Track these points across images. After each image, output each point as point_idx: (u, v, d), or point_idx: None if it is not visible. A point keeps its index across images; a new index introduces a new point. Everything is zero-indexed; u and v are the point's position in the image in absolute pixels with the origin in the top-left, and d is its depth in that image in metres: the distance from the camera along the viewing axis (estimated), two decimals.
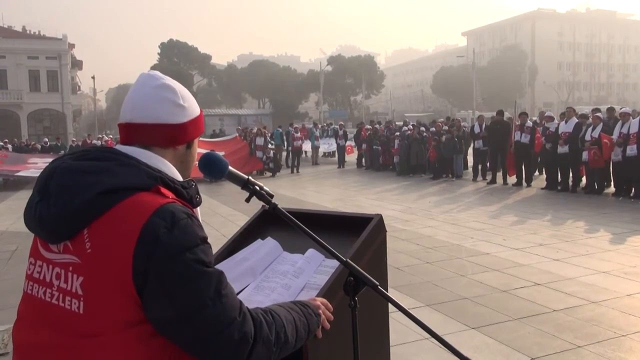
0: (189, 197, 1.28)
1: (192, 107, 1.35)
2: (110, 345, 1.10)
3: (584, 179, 12.06)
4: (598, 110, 12.25)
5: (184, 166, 1.37)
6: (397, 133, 17.67)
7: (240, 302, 1.21)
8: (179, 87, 1.33)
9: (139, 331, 1.11)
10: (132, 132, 1.29)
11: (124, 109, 1.31)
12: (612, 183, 11.49)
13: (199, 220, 1.22)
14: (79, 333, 1.12)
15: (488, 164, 14.68)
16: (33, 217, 1.20)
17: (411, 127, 18.05)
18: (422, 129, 16.69)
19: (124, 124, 1.30)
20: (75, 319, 1.13)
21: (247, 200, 1.46)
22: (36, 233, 1.23)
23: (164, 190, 1.20)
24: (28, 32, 55.20)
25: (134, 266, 1.09)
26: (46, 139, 27.11)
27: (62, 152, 22.73)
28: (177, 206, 1.18)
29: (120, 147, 1.28)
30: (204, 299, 1.12)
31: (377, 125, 20.96)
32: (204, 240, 1.18)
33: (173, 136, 1.31)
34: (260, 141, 18.64)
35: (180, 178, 1.31)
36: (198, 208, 1.34)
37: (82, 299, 1.12)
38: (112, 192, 1.14)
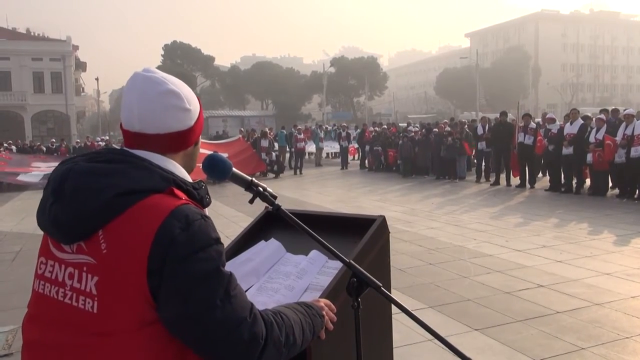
0: (199, 197, 1.29)
1: (196, 106, 1.34)
2: (123, 344, 1.11)
3: (587, 181, 12.04)
4: (606, 110, 12.21)
5: (189, 159, 1.38)
6: (402, 134, 17.71)
7: (252, 303, 1.22)
8: (182, 90, 1.30)
9: (152, 331, 1.13)
10: (143, 141, 1.27)
11: (129, 117, 1.27)
12: (614, 185, 11.48)
13: (212, 221, 1.24)
14: (92, 332, 1.13)
15: (491, 165, 14.68)
16: (48, 218, 1.21)
17: (416, 128, 18.09)
18: (433, 135, 16.58)
19: (133, 132, 1.28)
20: (88, 319, 1.14)
21: (251, 201, 1.46)
22: (50, 234, 1.24)
23: (177, 191, 1.22)
24: (32, 34, 55.33)
25: (148, 267, 1.11)
26: (53, 140, 27.27)
27: (67, 154, 22.83)
28: (191, 208, 1.19)
29: (132, 150, 1.27)
30: (214, 299, 1.13)
31: (383, 127, 21.02)
32: (218, 240, 1.20)
33: (184, 141, 1.32)
34: (265, 143, 18.67)
35: (189, 179, 1.32)
36: (206, 208, 1.35)
37: (96, 298, 1.14)
38: (127, 194, 1.15)
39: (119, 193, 1.15)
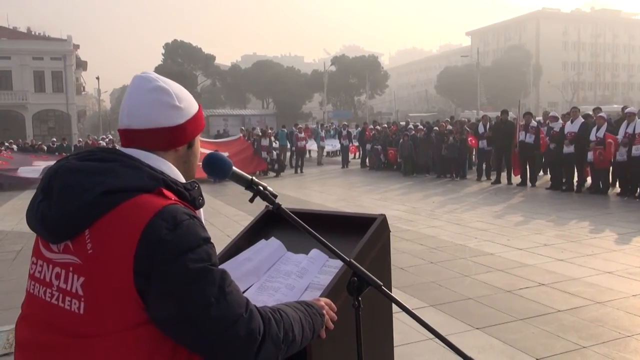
0: (191, 198, 1.27)
1: (189, 106, 1.34)
2: (112, 345, 1.09)
3: (588, 179, 12.04)
4: (600, 109, 12.21)
5: (187, 166, 1.37)
6: (403, 132, 17.73)
7: (247, 299, 1.21)
8: (173, 88, 1.31)
9: (141, 332, 1.11)
10: (132, 138, 1.28)
11: (121, 114, 1.30)
12: (615, 183, 11.47)
13: (201, 221, 1.22)
14: (78, 334, 1.12)
15: (492, 164, 14.68)
16: (35, 216, 1.20)
17: (417, 127, 18.10)
18: (433, 134, 16.62)
19: (123, 129, 1.29)
20: (75, 320, 1.12)
21: (251, 200, 1.46)
22: (38, 232, 1.23)
23: (166, 192, 1.20)
24: (33, 33, 55.35)
25: (135, 267, 1.09)
26: (54, 139, 27.23)
27: (65, 153, 22.79)
28: (179, 207, 1.18)
29: (123, 149, 1.28)
30: (208, 298, 1.12)
31: (383, 125, 21.06)
32: (207, 240, 1.18)
33: (172, 138, 1.30)
34: (265, 142, 18.67)
35: (182, 179, 1.31)
36: (201, 210, 1.34)
37: (82, 299, 1.12)
38: (114, 193, 1.14)
39: (105, 192, 1.13)
